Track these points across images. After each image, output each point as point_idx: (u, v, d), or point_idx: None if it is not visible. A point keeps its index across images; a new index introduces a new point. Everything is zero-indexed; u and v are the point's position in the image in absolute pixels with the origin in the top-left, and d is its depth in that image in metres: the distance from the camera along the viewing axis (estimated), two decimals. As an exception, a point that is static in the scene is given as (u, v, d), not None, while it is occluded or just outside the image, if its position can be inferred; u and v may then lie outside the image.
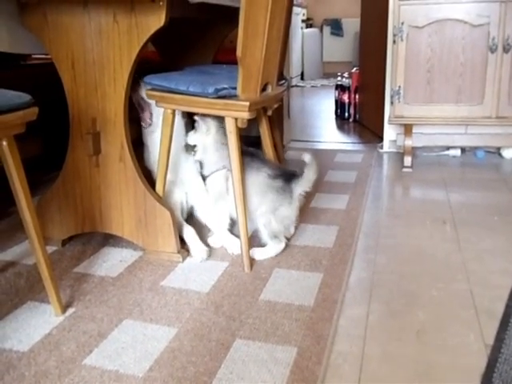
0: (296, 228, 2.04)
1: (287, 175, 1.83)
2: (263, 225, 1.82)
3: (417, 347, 1.31)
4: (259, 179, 1.82)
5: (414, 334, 1.36)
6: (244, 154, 1.77)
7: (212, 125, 1.87)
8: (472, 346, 1.30)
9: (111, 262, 1.81)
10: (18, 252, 1.89)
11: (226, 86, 1.66)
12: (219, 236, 1.93)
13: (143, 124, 1.99)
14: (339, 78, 4.58)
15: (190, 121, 1.95)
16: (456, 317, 1.44)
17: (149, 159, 2.03)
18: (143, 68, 1.86)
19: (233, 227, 1.96)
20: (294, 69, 6.69)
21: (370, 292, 1.58)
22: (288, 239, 1.92)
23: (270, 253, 1.83)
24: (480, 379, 1.18)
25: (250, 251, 1.78)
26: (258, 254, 1.82)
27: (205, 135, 1.88)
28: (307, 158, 1.84)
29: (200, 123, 1.87)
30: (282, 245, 1.85)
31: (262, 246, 1.84)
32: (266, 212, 1.81)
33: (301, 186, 1.83)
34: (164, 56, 2.67)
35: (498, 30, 2.72)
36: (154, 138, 1.94)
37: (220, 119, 1.83)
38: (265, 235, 1.83)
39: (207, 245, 1.89)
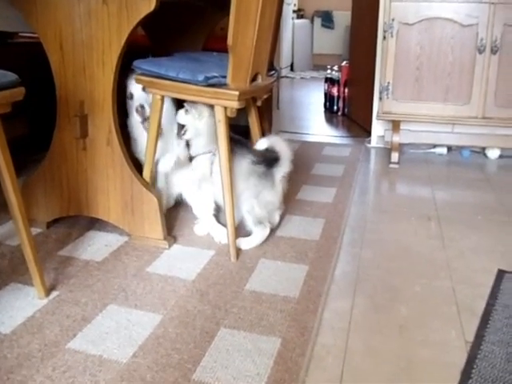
0: (282, 219, 2.04)
1: (269, 160, 1.84)
2: (247, 211, 1.83)
3: (399, 342, 1.32)
4: (243, 165, 1.82)
5: (396, 328, 1.38)
6: (230, 140, 1.77)
7: (205, 109, 1.86)
8: (453, 343, 1.32)
9: (96, 247, 1.79)
10: (1, 232, 1.87)
11: (216, 74, 1.65)
12: (205, 223, 1.92)
13: (139, 117, 1.93)
14: (329, 71, 4.59)
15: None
16: (438, 313, 1.46)
17: (136, 150, 2.01)
18: (132, 52, 1.83)
19: (218, 213, 1.95)
20: (284, 59, 6.68)
21: (354, 286, 1.60)
22: (273, 228, 1.93)
23: (255, 241, 1.83)
24: (460, 375, 1.20)
25: (237, 241, 1.78)
26: (245, 243, 1.82)
27: (197, 120, 1.86)
28: (278, 143, 1.86)
29: (191, 109, 1.85)
30: (267, 230, 1.86)
31: (249, 235, 1.84)
32: (249, 197, 1.82)
33: (281, 170, 1.84)
34: (153, 40, 2.64)
35: (487, 31, 2.74)
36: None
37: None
38: (249, 222, 1.84)
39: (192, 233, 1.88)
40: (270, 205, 1.87)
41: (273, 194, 1.85)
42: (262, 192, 1.83)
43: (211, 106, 1.78)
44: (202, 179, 1.93)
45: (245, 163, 1.82)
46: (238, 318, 1.39)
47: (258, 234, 1.84)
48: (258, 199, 1.83)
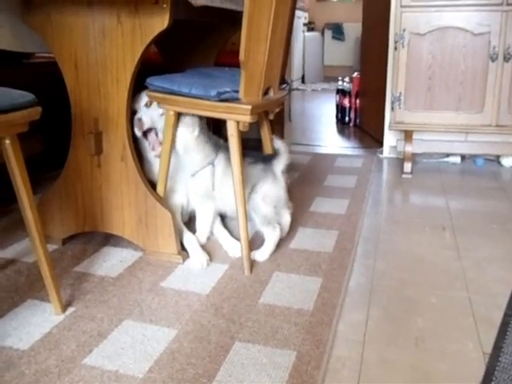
0: (295, 231, 2.05)
1: (265, 158, 1.89)
2: (252, 209, 1.83)
3: (415, 354, 1.31)
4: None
5: (412, 340, 1.37)
6: (226, 148, 1.80)
7: (196, 123, 1.87)
8: (470, 354, 1.31)
9: (111, 262, 1.81)
10: (18, 250, 1.89)
11: (228, 89, 1.66)
12: (198, 257, 1.82)
13: (137, 130, 1.93)
14: (340, 83, 4.60)
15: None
16: (455, 324, 1.44)
17: (150, 171, 2.00)
18: (146, 69, 1.86)
19: (224, 226, 1.98)
20: (295, 72, 6.71)
21: (369, 297, 1.59)
22: (284, 232, 1.94)
23: (269, 248, 1.83)
24: (478, 387, 1.19)
25: (251, 254, 1.78)
26: (259, 255, 1.82)
27: (190, 133, 1.86)
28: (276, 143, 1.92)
29: (187, 119, 1.85)
30: (277, 232, 1.85)
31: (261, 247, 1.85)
32: (252, 194, 1.83)
33: (280, 163, 1.86)
34: (166, 57, 2.67)
35: (499, 39, 2.73)
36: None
37: (202, 118, 1.87)
38: (258, 222, 1.84)
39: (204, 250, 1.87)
40: (275, 201, 1.86)
41: (276, 188, 1.85)
42: (264, 186, 1.84)
43: (203, 118, 1.85)
44: (204, 197, 1.94)
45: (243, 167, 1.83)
46: (252, 331, 1.39)
47: (270, 239, 1.84)
48: (262, 195, 1.83)
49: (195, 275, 1.72)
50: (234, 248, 1.87)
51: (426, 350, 1.33)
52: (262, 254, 1.83)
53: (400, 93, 2.89)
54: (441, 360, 1.29)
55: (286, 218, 1.96)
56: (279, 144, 1.89)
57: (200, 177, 1.92)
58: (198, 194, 1.95)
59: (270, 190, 1.85)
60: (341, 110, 4.55)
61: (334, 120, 4.64)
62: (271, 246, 1.84)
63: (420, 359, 1.29)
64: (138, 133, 1.94)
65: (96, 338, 1.36)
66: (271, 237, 1.84)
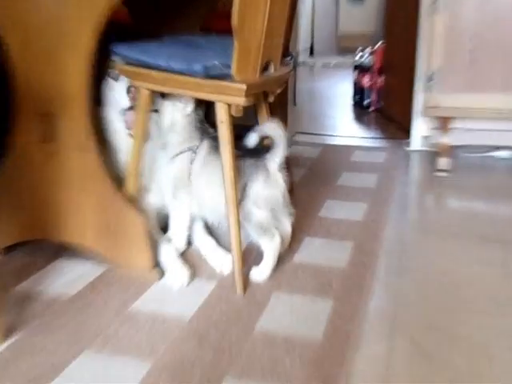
0: (301, 241, 2.08)
1: (256, 150, 1.86)
2: (243, 218, 1.83)
3: (449, 395, 1.34)
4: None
5: (446, 381, 1.39)
6: (214, 138, 1.83)
7: (190, 103, 1.93)
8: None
9: (67, 278, 1.83)
10: None
11: (217, 62, 1.67)
12: (176, 275, 1.85)
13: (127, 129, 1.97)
14: (359, 56, 4.63)
15: None
16: (501, 361, 1.47)
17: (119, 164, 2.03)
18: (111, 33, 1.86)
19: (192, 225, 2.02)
20: (302, 42, 6.73)
21: (391, 325, 1.61)
22: (285, 242, 1.93)
23: (268, 264, 1.85)
24: None
25: (251, 273, 1.81)
26: (256, 274, 1.85)
27: (181, 109, 1.93)
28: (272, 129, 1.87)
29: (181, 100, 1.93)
30: (277, 240, 1.86)
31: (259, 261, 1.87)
32: (241, 199, 1.83)
33: (274, 157, 1.85)
34: (138, 19, 2.66)
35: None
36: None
37: (198, 101, 1.90)
38: (251, 231, 1.86)
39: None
40: (269, 203, 1.85)
41: (269, 189, 1.85)
42: (255, 187, 1.84)
43: (199, 101, 1.88)
44: (178, 185, 1.98)
45: None
46: (246, 364, 1.42)
47: (268, 252, 1.85)
48: (253, 197, 1.84)
49: (175, 295, 1.75)
50: (222, 262, 1.90)
51: (463, 393, 1.36)
52: (260, 273, 1.85)
53: (435, 70, 2.92)
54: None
55: (286, 227, 1.96)
56: (274, 129, 1.85)
57: (177, 161, 1.97)
58: (172, 182, 1.99)
59: (263, 190, 1.85)
60: (359, 91, 4.58)
61: (351, 103, 4.67)
62: (270, 260, 1.86)
63: (455, 402, 1.32)
64: (128, 104, 1.96)
65: (47, 375, 1.38)
66: (270, 249, 1.86)
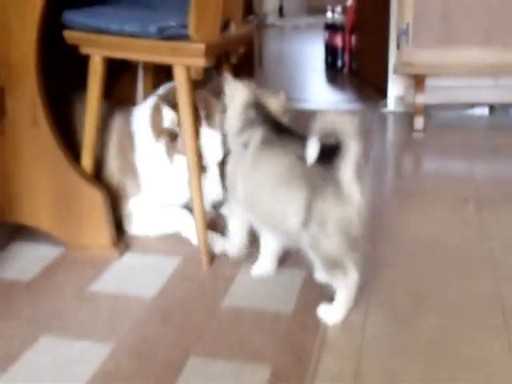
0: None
1: (325, 150, 1.44)
2: (309, 245, 1.50)
3: (428, 363, 1.34)
4: (284, 163, 1.54)
5: (423, 345, 1.40)
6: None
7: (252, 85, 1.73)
8: (498, 359, 1.35)
9: (22, 262, 1.81)
10: None
11: (173, 22, 1.66)
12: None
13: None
14: (330, 15, 4.60)
15: None
16: (478, 323, 1.48)
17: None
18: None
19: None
20: (270, 2, 6.67)
21: (367, 292, 1.61)
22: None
23: (340, 308, 1.51)
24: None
25: (318, 310, 1.53)
26: (327, 314, 1.52)
27: (250, 93, 1.70)
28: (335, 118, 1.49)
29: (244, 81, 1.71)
30: (352, 279, 1.48)
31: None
32: (304, 222, 1.48)
33: (347, 164, 1.42)
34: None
35: None
36: None
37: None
38: (317, 265, 1.53)
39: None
40: (343, 226, 1.46)
41: (344, 207, 1.45)
42: (320, 206, 1.46)
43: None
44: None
45: (286, 159, 1.54)
46: (213, 343, 1.42)
47: (341, 294, 1.51)
48: (319, 220, 1.46)
49: (136, 273, 1.74)
50: (221, 243, 1.84)
51: (442, 358, 1.36)
52: (332, 314, 1.52)
53: (407, 24, 2.90)
54: (461, 369, 1.32)
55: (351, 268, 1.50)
56: (341, 122, 1.45)
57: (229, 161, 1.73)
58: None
59: (334, 210, 1.46)
60: (331, 52, 4.55)
61: (323, 65, 4.65)
62: (343, 304, 1.51)
63: (434, 370, 1.32)
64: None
65: (4, 362, 1.36)
66: (342, 291, 1.51)
